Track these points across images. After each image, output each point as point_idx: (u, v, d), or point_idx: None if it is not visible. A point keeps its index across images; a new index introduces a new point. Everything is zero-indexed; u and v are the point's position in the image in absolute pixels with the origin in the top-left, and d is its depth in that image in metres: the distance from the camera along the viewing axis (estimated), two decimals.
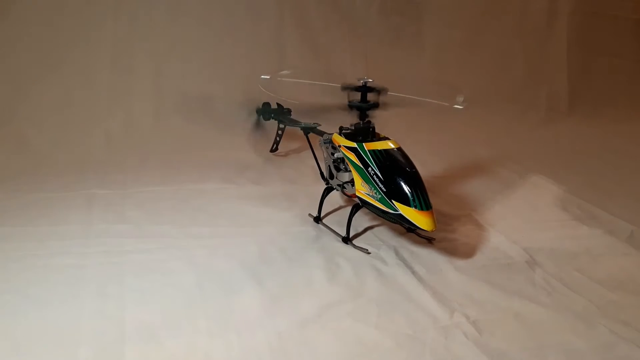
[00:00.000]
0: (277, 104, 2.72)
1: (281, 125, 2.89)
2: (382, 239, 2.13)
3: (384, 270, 1.91)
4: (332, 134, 2.12)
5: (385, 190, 1.89)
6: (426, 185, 1.91)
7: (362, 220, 2.24)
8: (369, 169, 1.93)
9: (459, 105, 2.05)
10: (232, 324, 1.60)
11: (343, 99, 2.06)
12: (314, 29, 3.53)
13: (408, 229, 2.07)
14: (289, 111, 2.72)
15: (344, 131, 2.08)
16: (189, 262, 1.91)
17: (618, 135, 3.56)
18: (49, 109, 3.03)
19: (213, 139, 3.05)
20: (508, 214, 2.39)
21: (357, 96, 2.04)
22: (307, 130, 2.33)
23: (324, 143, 2.18)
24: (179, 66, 3.27)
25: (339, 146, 2.07)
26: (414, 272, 1.90)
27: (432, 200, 1.88)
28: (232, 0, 3.35)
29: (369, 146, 1.95)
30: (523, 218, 2.37)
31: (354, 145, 1.99)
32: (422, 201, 1.85)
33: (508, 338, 1.58)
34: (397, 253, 2.02)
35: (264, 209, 2.35)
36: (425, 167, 2.80)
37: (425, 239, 2.10)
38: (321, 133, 2.24)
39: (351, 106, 2.04)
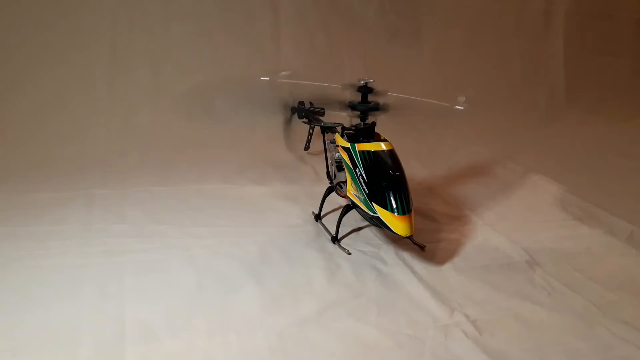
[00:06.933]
0: (310, 103, 2.71)
1: (312, 124, 2.89)
2: (382, 238, 2.13)
3: (384, 270, 1.91)
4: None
5: (367, 191, 1.87)
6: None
7: (362, 219, 2.24)
8: (357, 169, 1.92)
9: (460, 106, 2.04)
10: (232, 324, 1.60)
11: (352, 98, 2.04)
12: (311, 29, 3.53)
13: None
14: (321, 111, 2.70)
15: (345, 132, 2.08)
16: (189, 262, 1.91)
17: (617, 135, 3.56)
18: (48, 109, 3.03)
19: (213, 138, 3.05)
20: (508, 214, 2.39)
21: (358, 96, 2.02)
22: (325, 129, 2.32)
23: (330, 143, 2.18)
24: (178, 65, 3.26)
25: (337, 146, 2.07)
26: (414, 272, 1.90)
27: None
28: None
29: (360, 147, 1.93)
30: (523, 218, 2.37)
31: (348, 145, 1.98)
32: (399, 205, 1.81)
33: (508, 338, 1.58)
34: (397, 253, 2.02)
35: (264, 209, 2.36)
36: (425, 167, 2.82)
37: (418, 245, 2.07)
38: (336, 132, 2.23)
39: (351, 107, 2.03)
